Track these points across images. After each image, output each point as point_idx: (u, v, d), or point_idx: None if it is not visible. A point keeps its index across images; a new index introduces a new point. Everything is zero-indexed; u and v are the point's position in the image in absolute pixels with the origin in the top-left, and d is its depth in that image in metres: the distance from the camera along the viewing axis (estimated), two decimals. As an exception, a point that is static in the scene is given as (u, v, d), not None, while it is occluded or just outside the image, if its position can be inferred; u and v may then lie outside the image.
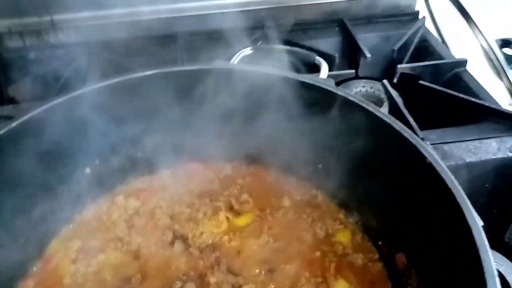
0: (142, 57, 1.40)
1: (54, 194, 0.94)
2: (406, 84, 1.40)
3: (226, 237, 0.95)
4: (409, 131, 0.77)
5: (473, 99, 1.22)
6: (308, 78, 0.90)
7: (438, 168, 0.70)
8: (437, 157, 0.72)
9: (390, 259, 0.88)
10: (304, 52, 1.26)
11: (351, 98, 0.84)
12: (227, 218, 0.98)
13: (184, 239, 0.94)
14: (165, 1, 1.57)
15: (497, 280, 0.56)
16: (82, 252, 0.92)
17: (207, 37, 1.55)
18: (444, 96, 1.27)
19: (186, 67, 0.97)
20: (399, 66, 1.41)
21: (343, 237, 0.95)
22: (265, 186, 1.05)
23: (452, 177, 0.68)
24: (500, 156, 1.04)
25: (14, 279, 0.87)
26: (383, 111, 0.83)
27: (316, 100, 0.89)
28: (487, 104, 1.19)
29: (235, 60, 1.25)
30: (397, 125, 0.79)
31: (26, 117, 0.84)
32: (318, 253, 0.92)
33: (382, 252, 0.92)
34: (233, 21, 1.42)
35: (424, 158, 0.73)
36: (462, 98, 1.23)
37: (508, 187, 1.05)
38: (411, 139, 0.75)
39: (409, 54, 1.48)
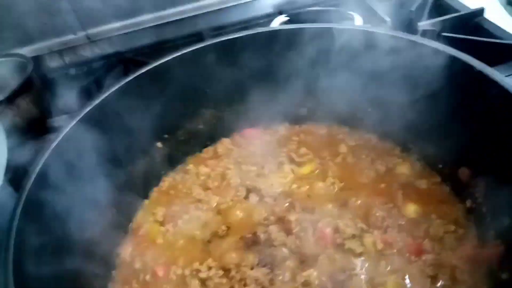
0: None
1: (134, 168, 1.02)
2: (429, 41, 1.46)
3: (294, 185, 1.02)
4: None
5: (498, 41, 1.28)
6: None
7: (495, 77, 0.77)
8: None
9: (453, 178, 0.95)
10: (336, 9, 1.35)
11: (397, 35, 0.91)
12: (292, 170, 1.05)
13: (257, 191, 1.01)
14: (188, 1, 1.66)
15: None
16: (168, 216, 0.99)
17: (231, 29, 1.65)
18: (470, 43, 1.32)
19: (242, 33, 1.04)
20: (419, 23, 1.47)
21: (404, 169, 1.02)
22: (320, 138, 1.13)
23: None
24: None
25: (113, 246, 0.95)
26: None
27: (363, 46, 0.96)
28: (512, 42, 1.25)
29: (274, 25, 1.33)
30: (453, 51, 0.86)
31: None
32: (383, 185, 0.99)
33: (443, 173, 0.98)
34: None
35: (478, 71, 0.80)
36: (488, 42, 1.29)
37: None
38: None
39: (426, 12, 1.55)
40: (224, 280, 0.86)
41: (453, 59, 0.86)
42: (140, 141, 1.03)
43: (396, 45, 0.92)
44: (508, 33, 1.32)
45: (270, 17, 1.60)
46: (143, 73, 0.99)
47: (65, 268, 0.78)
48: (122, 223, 0.99)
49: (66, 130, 0.88)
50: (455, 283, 0.82)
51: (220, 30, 1.69)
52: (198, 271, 0.88)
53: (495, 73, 0.78)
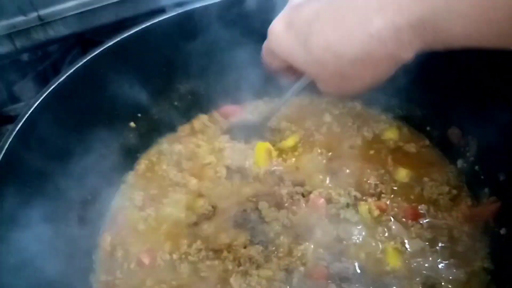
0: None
1: (107, 152, 0.94)
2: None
3: (280, 159, 0.97)
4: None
5: None
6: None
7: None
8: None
9: (442, 139, 0.93)
10: None
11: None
12: (273, 144, 1.00)
13: (241, 170, 0.96)
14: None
15: None
16: (147, 200, 0.92)
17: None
18: None
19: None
20: None
21: (391, 134, 0.99)
22: (302, 110, 1.08)
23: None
24: None
25: (91, 237, 0.87)
26: None
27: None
28: None
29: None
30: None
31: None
32: (372, 152, 0.97)
33: (432, 136, 0.96)
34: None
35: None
36: None
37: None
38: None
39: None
40: (216, 262, 0.81)
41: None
42: (111, 122, 0.94)
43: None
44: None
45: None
46: (105, 49, 0.90)
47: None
48: (99, 211, 0.91)
49: (26, 115, 0.78)
50: (454, 243, 0.81)
51: (184, 5, 1.59)
52: (188, 254, 0.82)
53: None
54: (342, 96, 0.56)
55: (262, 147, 0.99)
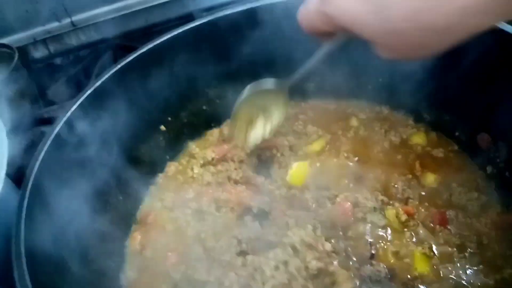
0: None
1: (138, 154, 0.97)
2: None
3: (306, 163, 0.98)
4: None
5: None
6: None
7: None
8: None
9: (471, 145, 0.92)
10: None
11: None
12: (301, 148, 1.02)
13: (266, 173, 0.97)
14: (178, -18, 1.59)
15: None
16: (178, 201, 0.94)
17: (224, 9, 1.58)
18: None
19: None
20: None
21: (419, 139, 0.99)
22: (328, 114, 1.09)
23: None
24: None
25: (122, 236, 0.90)
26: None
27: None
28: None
29: None
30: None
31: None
32: (399, 156, 0.97)
33: (461, 141, 0.95)
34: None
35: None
36: None
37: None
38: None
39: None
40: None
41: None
42: (142, 126, 0.97)
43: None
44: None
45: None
46: (138, 55, 0.93)
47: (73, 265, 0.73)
48: (129, 211, 0.94)
49: (63, 119, 0.82)
50: (483, 250, 0.80)
51: (212, 10, 1.62)
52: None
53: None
54: (404, 59, 0.54)
55: (301, 168, 0.97)
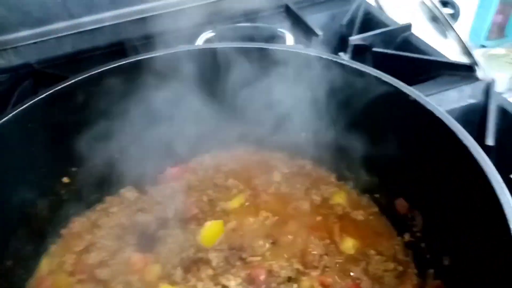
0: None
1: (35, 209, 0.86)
2: (360, 55, 1.44)
3: (221, 222, 0.91)
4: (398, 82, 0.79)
5: (426, 57, 1.28)
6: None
7: (434, 111, 0.72)
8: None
9: (390, 209, 0.90)
10: (266, 26, 1.27)
11: (329, 57, 0.85)
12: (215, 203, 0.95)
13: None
14: (107, 8, 1.50)
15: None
16: (79, 264, 0.85)
17: (158, 39, 1.51)
18: (398, 59, 1.32)
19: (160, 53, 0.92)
20: (350, 38, 1.45)
21: (340, 198, 0.95)
22: (251, 166, 1.04)
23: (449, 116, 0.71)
24: (462, 104, 1.09)
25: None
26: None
27: (295, 67, 0.88)
28: (439, 59, 1.25)
29: (199, 42, 1.22)
30: (386, 77, 0.80)
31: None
32: (319, 218, 0.92)
33: (381, 204, 0.93)
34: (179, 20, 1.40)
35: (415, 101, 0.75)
36: (416, 58, 1.29)
37: (474, 131, 1.10)
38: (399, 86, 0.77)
39: (356, 27, 1.53)
40: None
41: (385, 84, 0.80)
42: (43, 175, 0.87)
43: (326, 67, 0.86)
44: (433, 48, 1.34)
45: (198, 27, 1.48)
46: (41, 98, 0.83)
47: None
48: (21, 277, 0.83)
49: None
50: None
51: (143, 40, 1.54)
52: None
53: (431, 104, 0.73)
54: None
55: (215, 227, 0.90)
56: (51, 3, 1.37)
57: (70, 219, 0.93)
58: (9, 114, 0.79)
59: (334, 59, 0.86)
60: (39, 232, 0.87)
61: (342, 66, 0.85)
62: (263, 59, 0.89)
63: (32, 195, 0.86)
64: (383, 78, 0.80)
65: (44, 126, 0.83)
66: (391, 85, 0.79)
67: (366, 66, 0.84)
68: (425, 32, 1.51)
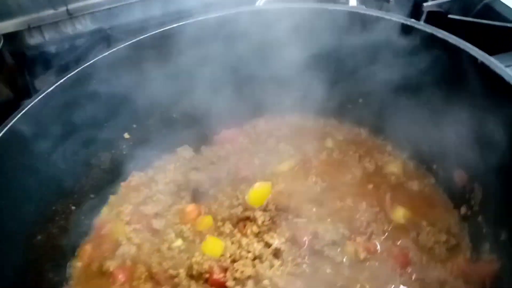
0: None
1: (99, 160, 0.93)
2: (434, 22, 1.34)
3: (269, 184, 0.92)
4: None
5: (508, 24, 1.16)
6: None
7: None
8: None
9: (448, 180, 0.85)
10: None
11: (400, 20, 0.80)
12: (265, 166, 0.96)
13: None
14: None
15: None
16: (135, 215, 0.91)
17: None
18: (478, 27, 1.20)
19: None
20: (425, 4, 1.35)
21: (395, 168, 0.92)
22: (304, 132, 1.02)
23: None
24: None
25: (72, 246, 0.87)
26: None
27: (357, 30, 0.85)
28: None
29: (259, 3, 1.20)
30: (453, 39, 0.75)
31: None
32: (370, 186, 0.90)
33: (438, 175, 0.88)
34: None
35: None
36: (497, 26, 1.17)
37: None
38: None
39: (431, -7, 1.42)
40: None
41: (454, 48, 0.74)
42: (106, 130, 0.93)
43: (389, 29, 0.81)
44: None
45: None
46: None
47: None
48: (82, 221, 0.90)
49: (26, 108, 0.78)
50: (444, 302, 0.73)
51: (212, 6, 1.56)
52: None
53: (500, 66, 0.67)
54: None
55: (263, 188, 0.90)
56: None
57: (129, 173, 0.98)
58: (76, 69, 0.85)
59: (401, 21, 0.81)
60: (101, 182, 0.94)
61: (410, 28, 0.80)
62: (320, 20, 0.87)
63: (96, 148, 0.93)
64: (450, 40, 0.75)
65: (108, 85, 0.88)
66: (456, 46, 0.73)
67: (438, 30, 0.78)
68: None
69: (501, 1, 1.29)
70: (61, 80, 0.82)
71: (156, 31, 0.90)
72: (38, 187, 0.80)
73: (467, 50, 0.73)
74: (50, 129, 0.81)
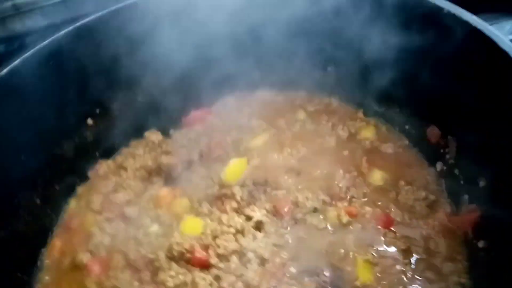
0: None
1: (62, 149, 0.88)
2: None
3: (245, 159, 0.89)
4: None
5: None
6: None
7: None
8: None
9: (421, 139, 0.86)
10: None
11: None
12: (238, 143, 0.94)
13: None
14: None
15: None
16: (106, 204, 0.86)
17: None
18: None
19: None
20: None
21: (368, 133, 0.92)
22: (275, 107, 1.01)
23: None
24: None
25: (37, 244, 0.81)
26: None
27: None
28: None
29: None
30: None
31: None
32: (346, 152, 0.90)
33: (411, 135, 0.89)
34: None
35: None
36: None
37: None
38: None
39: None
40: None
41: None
42: (68, 115, 0.88)
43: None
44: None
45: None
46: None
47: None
48: (50, 216, 0.85)
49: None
50: (430, 255, 0.73)
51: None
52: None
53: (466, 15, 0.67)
54: None
55: (238, 164, 0.88)
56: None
57: (96, 161, 0.93)
58: (33, 49, 0.79)
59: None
60: (66, 173, 0.88)
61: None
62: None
63: (57, 135, 0.87)
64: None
65: (68, 65, 0.83)
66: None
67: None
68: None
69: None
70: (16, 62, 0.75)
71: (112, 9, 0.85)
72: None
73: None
74: (9, 118, 0.75)
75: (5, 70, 0.75)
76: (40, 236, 0.82)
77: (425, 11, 0.74)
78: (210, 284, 0.69)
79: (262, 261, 0.71)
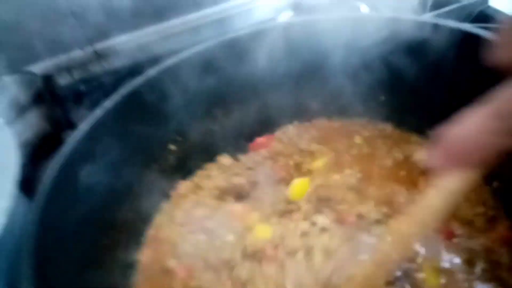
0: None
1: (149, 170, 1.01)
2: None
3: (307, 179, 0.99)
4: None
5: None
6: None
7: None
8: None
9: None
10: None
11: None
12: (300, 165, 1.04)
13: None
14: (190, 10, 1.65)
15: None
16: (188, 218, 0.97)
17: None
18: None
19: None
20: (423, 16, 1.46)
21: (423, 155, 0.98)
22: (332, 132, 1.11)
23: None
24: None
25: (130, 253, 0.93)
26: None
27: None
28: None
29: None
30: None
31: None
32: (403, 172, 0.97)
33: (465, 156, 0.94)
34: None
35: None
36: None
37: None
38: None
39: (429, 4, 1.53)
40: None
41: (466, 34, 0.83)
42: (153, 144, 1.01)
43: (403, 28, 0.91)
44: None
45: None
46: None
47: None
48: (141, 227, 0.97)
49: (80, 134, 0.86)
50: (494, 266, 0.78)
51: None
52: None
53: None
54: None
55: (302, 183, 0.98)
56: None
57: (177, 182, 1.05)
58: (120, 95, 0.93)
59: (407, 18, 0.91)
60: (153, 191, 1.00)
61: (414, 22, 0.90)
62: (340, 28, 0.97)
63: (146, 159, 1.00)
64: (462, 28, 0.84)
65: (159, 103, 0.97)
66: (468, 32, 0.83)
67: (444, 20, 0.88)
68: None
69: (495, 8, 1.38)
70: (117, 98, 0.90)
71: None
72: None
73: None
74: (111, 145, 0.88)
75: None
76: (132, 245, 0.93)
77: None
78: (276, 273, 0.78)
79: (328, 254, 0.79)
